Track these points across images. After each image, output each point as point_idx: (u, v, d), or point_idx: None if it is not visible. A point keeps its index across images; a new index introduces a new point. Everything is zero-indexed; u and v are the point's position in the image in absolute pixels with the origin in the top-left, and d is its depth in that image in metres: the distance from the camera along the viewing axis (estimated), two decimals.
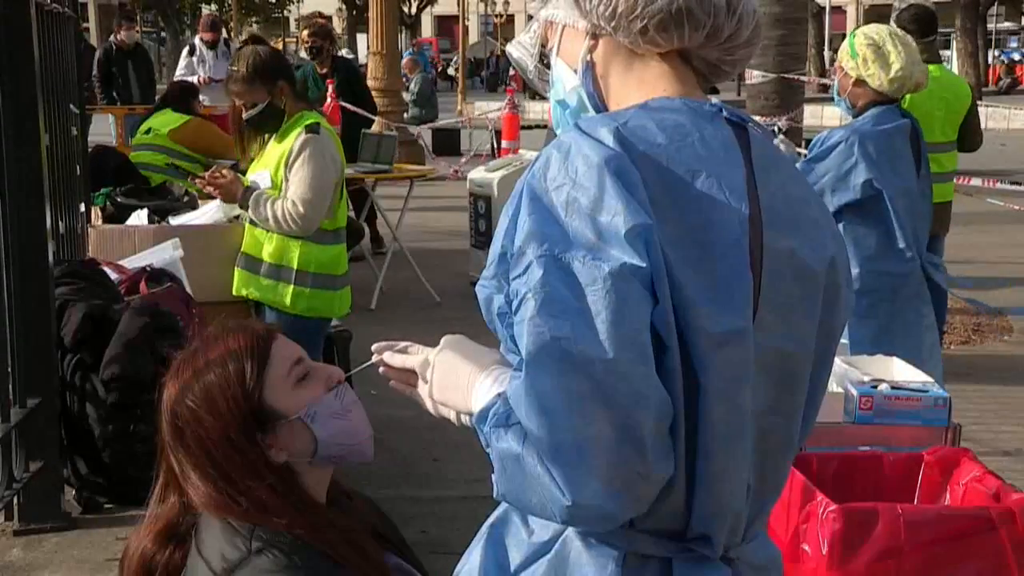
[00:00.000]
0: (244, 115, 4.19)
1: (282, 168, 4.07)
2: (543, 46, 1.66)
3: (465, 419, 1.57)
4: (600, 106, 1.58)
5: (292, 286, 4.10)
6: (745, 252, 1.41)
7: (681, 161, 1.41)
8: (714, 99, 1.54)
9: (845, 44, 3.99)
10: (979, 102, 6.40)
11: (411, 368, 1.64)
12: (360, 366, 1.80)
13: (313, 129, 4.07)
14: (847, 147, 3.88)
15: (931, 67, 4.81)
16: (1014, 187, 9.08)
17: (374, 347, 1.70)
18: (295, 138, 4.07)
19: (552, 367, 1.31)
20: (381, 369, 1.68)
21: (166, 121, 6.64)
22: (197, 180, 4.62)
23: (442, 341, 1.58)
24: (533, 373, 1.32)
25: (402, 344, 1.68)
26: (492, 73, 40.44)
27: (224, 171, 4.28)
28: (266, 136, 4.23)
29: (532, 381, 1.32)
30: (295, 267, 4.10)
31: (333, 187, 4.11)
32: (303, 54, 9.97)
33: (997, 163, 7.75)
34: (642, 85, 1.53)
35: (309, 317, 4.10)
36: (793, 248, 1.48)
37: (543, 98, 1.83)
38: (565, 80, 1.61)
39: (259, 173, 4.19)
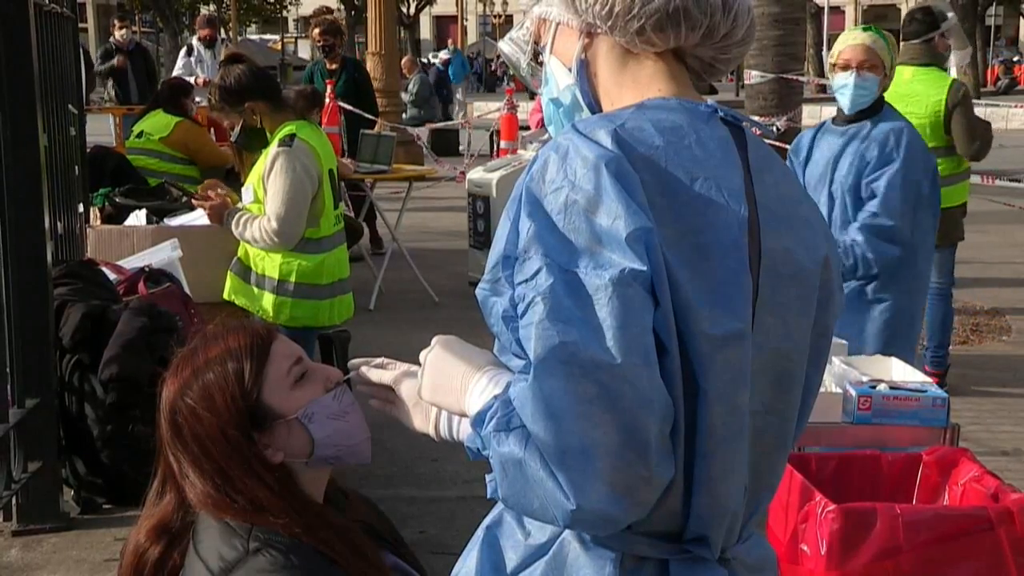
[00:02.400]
0: (230, 137, 4.23)
1: (261, 182, 4.08)
2: (536, 43, 1.65)
3: (444, 432, 1.58)
4: (594, 104, 1.57)
5: (273, 295, 4.11)
6: (744, 254, 1.41)
7: (679, 163, 1.41)
8: (709, 99, 1.54)
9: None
10: (977, 102, 6.24)
11: (387, 384, 1.64)
12: (343, 379, 1.80)
13: (285, 142, 4.04)
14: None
15: (899, 68, 4.76)
16: (1013, 184, 9.05)
17: (351, 363, 1.70)
18: (269, 152, 4.07)
19: (560, 371, 1.30)
20: (357, 387, 1.68)
21: (156, 126, 6.62)
22: (194, 200, 4.69)
23: (433, 341, 1.56)
24: (541, 376, 1.31)
25: (378, 360, 1.68)
26: (487, 73, 40.54)
27: (214, 192, 4.31)
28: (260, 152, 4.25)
29: (540, 384, 1.31)
30: (276, 277, 4.10)
31: (307, 197, 4.07)
32: (303, 53, 10.02)
33: (995, 163, 7.74)
34: (637, 84, 1.52)
35: (292, 327, 4.06)
36: (788, 248, 1.48)
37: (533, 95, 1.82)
38: (559, 78, 1.59)
39: (246, 188, 4.21)
